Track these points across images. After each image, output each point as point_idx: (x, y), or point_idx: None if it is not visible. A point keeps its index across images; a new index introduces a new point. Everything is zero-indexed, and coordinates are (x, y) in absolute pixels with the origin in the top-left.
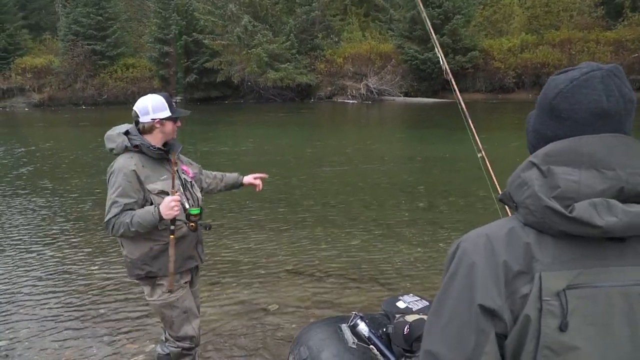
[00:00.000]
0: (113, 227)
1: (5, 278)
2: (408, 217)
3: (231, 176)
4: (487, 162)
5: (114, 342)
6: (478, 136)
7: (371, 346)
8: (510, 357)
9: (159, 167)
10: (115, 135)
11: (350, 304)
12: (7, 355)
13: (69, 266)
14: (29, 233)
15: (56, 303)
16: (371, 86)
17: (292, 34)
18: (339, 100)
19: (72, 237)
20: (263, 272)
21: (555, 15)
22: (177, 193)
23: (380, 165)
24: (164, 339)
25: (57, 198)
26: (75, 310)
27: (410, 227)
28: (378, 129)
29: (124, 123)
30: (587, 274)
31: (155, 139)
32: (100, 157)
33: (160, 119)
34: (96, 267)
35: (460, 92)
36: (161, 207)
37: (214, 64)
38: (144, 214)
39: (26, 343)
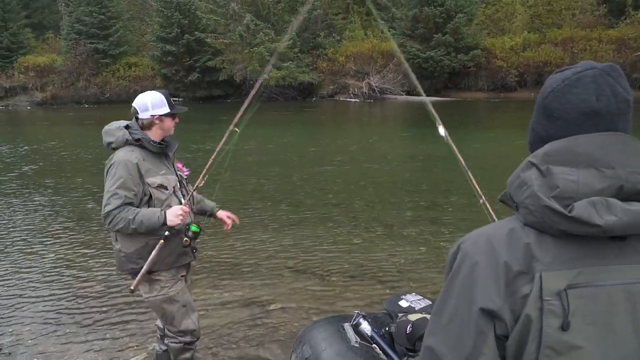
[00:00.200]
0: (112, 220)
1: (7, 277)
2: (410, 216)
3: (209, 204)
4: (489, 207)
5: (116, 341)
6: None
7: (374, 345)
8: (512, 358)
9: (158, 162)
10: (115, 129)
11: (352, 303)
12: (9, 354)
13: (71, 265)
14: (31, 232)
15: (58, 302)
16: (373, 85)
17: (294, 33)
18: (340, 99)
19: (75, 236)
20: (265, 271)
21: (558, 13)
22: (187, 204)
23: (382, 164)
24: (159, 336)
25: (59, 197)
26: (77, 309)
27: (412, 226)
28: (380, 128)
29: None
30: (587, 273)
31: (154, 135)
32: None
33: (160, 115)
34: (98, 266)
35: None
36: (168, 213)
37: (216, 62)
38: (150, 215)
39: (29, 342)
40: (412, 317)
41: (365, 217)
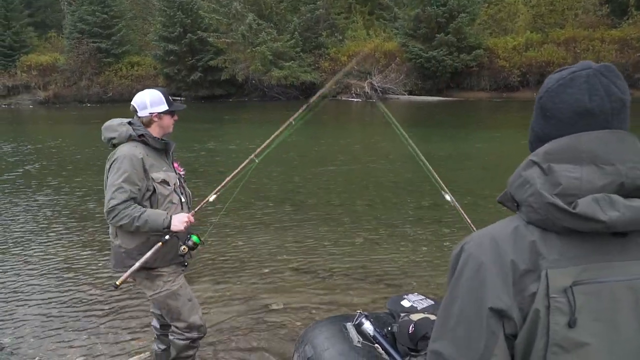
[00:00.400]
0: (116, 215)
1: (10, 275)
2: (412, 216)
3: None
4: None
5: (118, 339)
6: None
7: (376, 345)
8: (521, 356)
9: (159, 158)
10: (117, 124)
11: (354, 302)
12: (12, 353)
13: (74, 264)
14: (33, 231)
15: (61, 300)
16: (375, 84)
17: (296, 32)
18: (343, 99)
19: (77, 234)
20: (267, 270)
21: (560, 13)
22: (193, 215)
23: (385, 164)
24: (156, 336)
25: (61, 196)
26: (79, 308)
27: (414, 226)
28: (382, 128)
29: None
30: (591, 270)
31: (153, 133)
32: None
33: (158, 113)
34: (101, 265)
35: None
36: (174, 218)
37: (219, 62)
38: (156, 216)
39: (31, 340)
40: (415, 317)
41: (367, 217)
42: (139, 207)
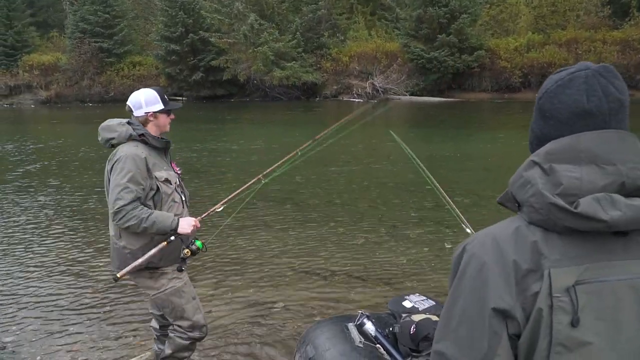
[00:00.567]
0: (124, 216)
1: (12, 275)
2: (414, 217)
3: None
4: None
5: (120, 339)
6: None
7: (378, 345)
8: (524, 356)
9: (160, 157)
10: (116, 125)
11: (355, 303)
12: (13, 352)
13: (75, 264)
14: (35, 231)
15: (63, 300)
16: (377, 85)
17: (298, 33)
18: (344, 99)
19: (79, 234)
20: (269, 270)
21: (562, 14)
22: (199, 220)
23: (386, 165)
24: (156, 336)
25: (63, 196)
26: (81, 307)
27: (416, 227)
28: (383, 128)
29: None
30: (593, 269)
31: (150, 132)
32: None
33: (154, 112)
34: (103, 264)
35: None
36: (182, 221)
37: (220, 62)
38: (164, 218)
39: (33, 340)
40: (416, 317)
41: (369, 218)
42: (146, 208)
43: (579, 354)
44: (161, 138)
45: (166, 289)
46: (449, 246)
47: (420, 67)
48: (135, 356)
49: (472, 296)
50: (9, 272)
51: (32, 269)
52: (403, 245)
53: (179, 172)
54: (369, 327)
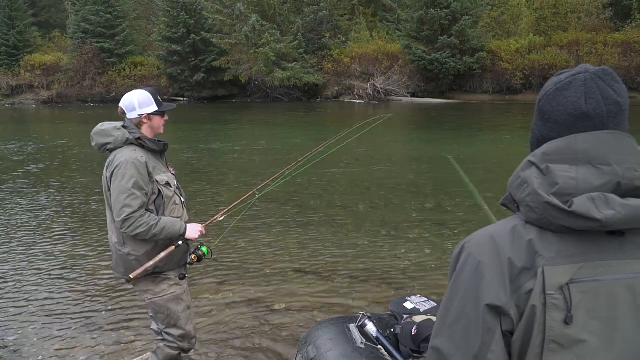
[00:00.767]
0: (133, 224)
1: (13, 275)
2: (415, 218)
3: None
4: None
5: (121, 340)
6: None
7: (379, 346)
8: (518, 353)
9: (157, 160)
10: (112, 129)
11: (356, 304)
12: (15, 351)
13: (77, 265)
14: (37, 231)
15: (64, 300)
16: (378, 86)
17: (299, 34)
18: (345, 100)
19: (80, 234)
20: (270, 271)
21: (563, 16)
22: (205, 227)
23: (387, 166)
24: (155, 348)
25: (65, 196)
26: (82, 307)
27: (417, 228)
28: (385, 130)
29: None
30: (589, 268)
31: (145, 134)
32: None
33: (148, 114)
34: (104, 264)
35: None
36: (189, 227)
37: (222, 63)
38: (173, 223)
39: (35, 339)
40: (417, 318)
41: (370, 219)
42: (153, 214)
43: (574, 352)
44: (158, 140)
45: (165, 295)
46: (450, 247)
47: (421, 69)
48: (136, 356)
49: (468, 293)
50: (10, 272)
51: (33, 269)
52: (404, 247)
53: (174, 172)
54: (371, 328)
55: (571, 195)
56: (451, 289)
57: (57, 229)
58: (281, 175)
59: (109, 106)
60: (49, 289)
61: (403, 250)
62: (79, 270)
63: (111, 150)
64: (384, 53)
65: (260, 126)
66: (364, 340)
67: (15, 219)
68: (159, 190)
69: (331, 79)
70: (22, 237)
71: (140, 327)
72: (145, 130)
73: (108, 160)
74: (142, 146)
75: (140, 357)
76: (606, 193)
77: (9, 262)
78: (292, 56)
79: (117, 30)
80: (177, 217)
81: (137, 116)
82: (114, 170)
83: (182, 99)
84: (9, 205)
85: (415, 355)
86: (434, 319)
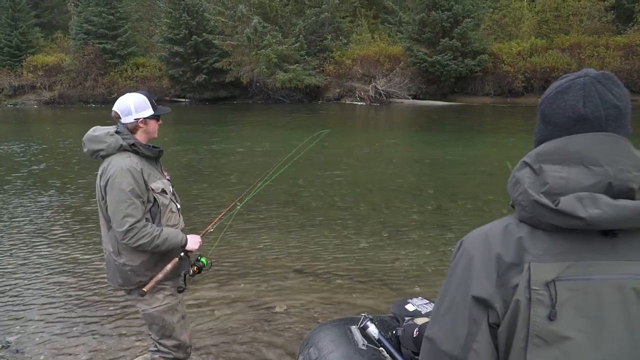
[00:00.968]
0: (136, 234)
1: (14, 275)
2: (416, 220)
3: None
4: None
5: (122, 340)
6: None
7: (381, 348)
8: (504, 345)
9: (152, 166)
10: (104, 135)
11: (358, 306)
12: (17, 351)
13: (78, 265)
14: (39, 231)
15: (65, 300)
16: (379, 88)
17: (301, 36)
18: (347, 102)
19: (82, 235)
20: (271, 272)
21: (565, 19)
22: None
23: (389, 168)
24: (149, 357)
25: (67, 197)
26: (84, 308)
27: (418, 230)
28: (386, 132)
29: None
30: (578, 267)
31: (139, 139)
32: None
33: (144, 118)
34: (105, 265)
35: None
36: (190, 238)
37: (223, 64)
38: (175, 234)
39: (36, 339)
40: (419, 320)
41: (371, 221)
42: (155, 225)
43: (559, 349)
44: (153, 147)
45: (160, 306)
46: (451, 249)
47: (423, 71)
48: (137, 357)
49: (459, 286)
50: (12, 272)
51: (35, 269)
52: (405, 249)
53: (168, 178)
54: (372, 329)
55: (560, 195)
56: (447, 282)
57: (59, 230)
58: (254, 186)
59: (111, 107)
60: (51, 290)
61: (404, 252)
62: (80, 272)
63: (104, 157)
64: (386, 55)
65: (261, 128)
66: (366, 342)
67: (18, 220)
68: (155, 199)
69: (332, 80)
70: (24, 238)
71: (141, 328)
72: (140, 135)
73: (101, 168)
74: (136, 152)
75: (142, 356)
76: (596, 193)
77: (11, 262)
78: (293, 58)
79: (119, 32)
80: (174, 225)
81: (133, 120)
82: (108, 179)
83: (183, 100)
84: (12, 206)
85: (417, 357)
86: None
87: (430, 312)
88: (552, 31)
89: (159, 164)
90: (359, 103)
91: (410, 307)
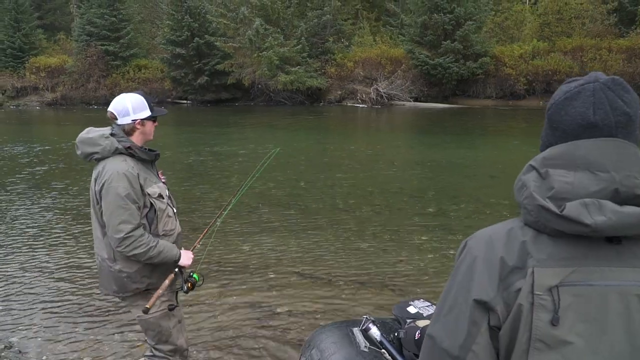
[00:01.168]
0: (132, 243)
1: (17, 276)
2: (418, 223)
3: None
4: None
5: (124, 340)
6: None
7: (383, 350)
8: (505, 348)
9: (148, 170)
10: (98, 137)
11: (360, 308)
12: (19, 351)
13: (81, 266)
14: (42, 232)
15: (68, 301)
16: (381, 91)
17: (303, 38)
18: (348, 105)
19: (84, 237)
20: (273, 274)
21: (567, 22)
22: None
23: (390, 170)
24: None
25: (68, 198)
26: (86, 309)
27: (419, 233)
28: (388, 134)
29: None
30: (582, 272)
31: (135, 141)
32: None
33: (141, 120)
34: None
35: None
36: (183, 254)
37: (225, 66)
38: (170, 248)
39: (39, 340)
40: (421, 323)
41: (372, 223)
42: (152, 236)
43: (560, 353)
44: (149, 150)
45: (157, 312)
46: (453, 252)
47: (424, 74)
48: (139, 357)
49: (462, 287)
50: (15, 273)
51: (37, 271)
52: (407, 251)
53: (164, 181)
54: (374, 332)
55: (566, 200)
56: (450, 282)
57: (61, 232)
58: (228, 203)
59: None
60: (54, 291)
61: (406, 255)
62: (82, 272)
63: (98, 160)
64: (387, 57)
65: (263, 129)
66: (368, 344)
67: (20, 221)
68: (151, 204)
69: (334, 83)
70: (27, 239)
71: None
72: (136, 137)
73: (96, 172)
74: (132, 156)
75: (144, 358)
76: (602, 199)
77: (13, 263)
78: (295, 60)
79: (121, 33)
80: (171, 230)
81: (131, 121)
82: (104, 184)
83: (185, 102)
84: (14, 208)
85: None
86: None
87: (431, 314)
88: (554, 34)
89: (155, 167)
90: (361, 105)
91: (412, 310)
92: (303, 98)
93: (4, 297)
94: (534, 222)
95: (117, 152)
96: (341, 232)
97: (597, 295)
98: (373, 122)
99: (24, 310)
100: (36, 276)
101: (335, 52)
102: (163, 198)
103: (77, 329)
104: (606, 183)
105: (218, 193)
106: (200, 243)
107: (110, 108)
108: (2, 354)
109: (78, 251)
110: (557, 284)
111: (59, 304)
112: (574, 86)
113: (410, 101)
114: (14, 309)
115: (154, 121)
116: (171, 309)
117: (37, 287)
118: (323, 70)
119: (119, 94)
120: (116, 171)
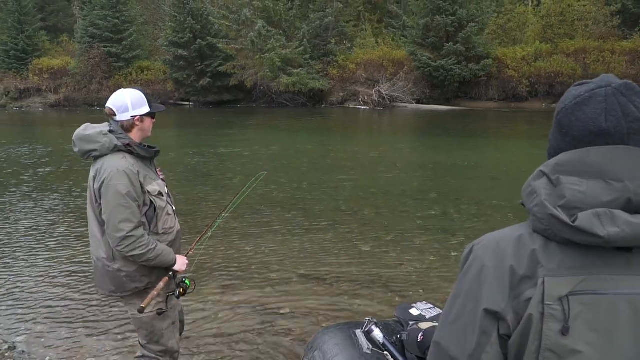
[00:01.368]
0: (132, 243)
1: (19, 277)
2: (420, 225)
3: None
4: None
5: (126, 340)
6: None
7: (385, 352)
8: (514, 356)
9: (147, 167)
10: (97, 134)
11: (361, 310)
12: (23, 352)
13: (83, 266)
14: (44, 232)
15: (70, 301)
16: (383, 92)
17: (305, 40)
18: (350, 106)
19: (86, 237)
20: (275, 276)
21: (570, 24)
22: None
23: (393, 172)
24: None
25: (71, 198)
26: (89, 308)
27: (422, 235)
28: (390, 136)
29: None
30: (591, 281)
31: (134, 138)
32: None
33: (141, 116)
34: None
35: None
36: (178, 259)
37: (227, 68)
38: (168, 252)
39: (42, 340)
40: (423, 325)
41: (375, 225)
42: (152, 238)
43: None
44: (149, 146)
45: (151, 312)
46: (455, 254)
47: (427, 76)
48: None
49: (470, 294)
50: (18, 274)
51: (40, 271)
52: (409, 253)
53: (163, 178)
54: (377, 334)
55: (578, 209)
56: (457, 287)
57: (63, 233)
58: (214, 221)
59: None
60: (56, 292)
61: (408, 257)
62: (85, 274)
63: (97, 158)
64: (390, 59)
65: (265, 131)
66: (370, 346)
67: (23, 222)
68: (151, 202)
69: (336, 84)
70: (30, 240)
71: None
72: (135, 134)
73: (94, 169)
74: (131, 153)
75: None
76: (614, 209)
77: (16, 265)
78: (297, 62)
79: (124, 35)
80: (170, 227)
81: (130, 118)
82: (103, 181)
83: (187, 103)
84: (18, 209)
85: None
86: None
87: (434, 316)
88: (557, 36)
89: (154, 164)
90: (363, 107)
91: (414, 312)
92: (305, 100)
93: (8, 297)
94: (544, 230)
95: (116, 149)
96: (343, 234)
97: (607, 304)
98: (375, 124)
99: (28, 310)
100: (38, 277)
101: (338, 54)
102: (162, 196)
103: (79, 330)
104: (620, 193)
105: (220, 194)
106: (193, 250)
107: (109, 104)
108: (7, 354)
109: (81, 252)
110: (567, 293)
111: (62, 305)
112: (585, 90)
113: (412, 103)
114: (18, 310)
115: (153, 118)
116: (160, 313)
117: (39, 288)
118: (325, 72)
119: None
120: (116, 169)
